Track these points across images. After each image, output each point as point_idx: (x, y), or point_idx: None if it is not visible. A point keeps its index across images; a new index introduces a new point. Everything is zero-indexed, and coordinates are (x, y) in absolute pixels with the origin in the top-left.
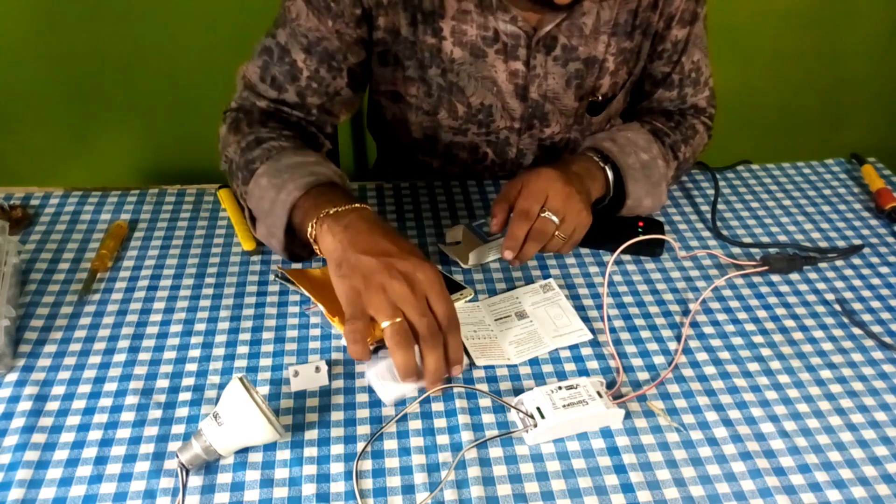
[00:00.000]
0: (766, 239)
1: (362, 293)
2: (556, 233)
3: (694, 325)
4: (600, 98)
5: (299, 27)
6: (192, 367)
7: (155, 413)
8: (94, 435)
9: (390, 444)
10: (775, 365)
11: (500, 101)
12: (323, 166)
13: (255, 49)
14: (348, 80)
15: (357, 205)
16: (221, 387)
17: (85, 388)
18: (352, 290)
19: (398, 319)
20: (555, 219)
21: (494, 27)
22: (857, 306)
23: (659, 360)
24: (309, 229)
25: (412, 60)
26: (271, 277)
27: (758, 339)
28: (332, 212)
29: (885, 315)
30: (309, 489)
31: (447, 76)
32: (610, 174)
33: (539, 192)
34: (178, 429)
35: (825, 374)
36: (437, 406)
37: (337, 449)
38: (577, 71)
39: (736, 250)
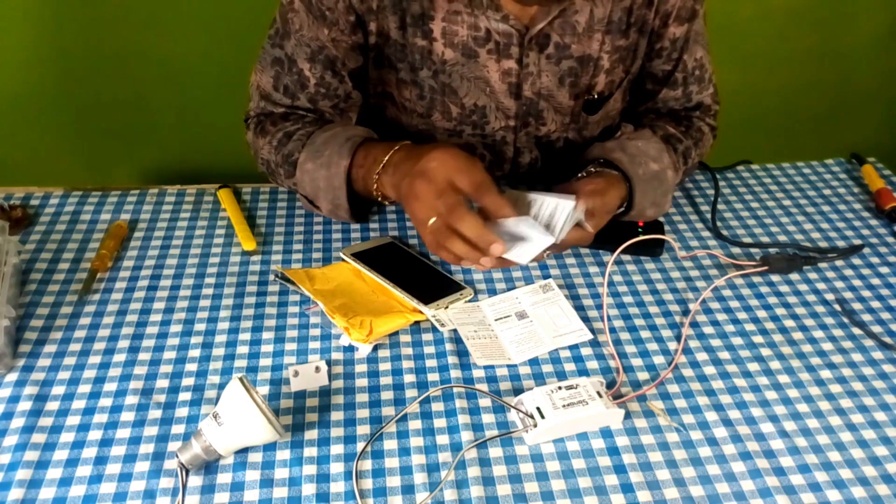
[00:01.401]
0: (766, 239)
1: (412, 214)
2: None
3: (694, 325)
4: (596, 96)
5: (303, 37)
6: (192, 367)
7: (155, 413)
8: (94, 435)
9: (390, 444)
10: (775, 365)
11: (493, 101)
12: (351, 129)
13: (264, 60)
14: (353, 83)
15: (395, 146)
16: (221, 387)
17: (85, 388)
18: (410, 215)
19: (430, 221)
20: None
21: (486, 27)
22: (857, 306)
23: (659, 360)
24: (374, 192)
25: (403, 63)
26: (271, 277)
27: (758, 339)
28: (381, 167)
29: (885, 315)
30: (309, 489)
31: (439, 78)
32: (625, 186)
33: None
34: (178, 429)
35: (825, 374)
36: (437, 406)
37: (337, 449)
38: (571, 69)
39: (736, 250)
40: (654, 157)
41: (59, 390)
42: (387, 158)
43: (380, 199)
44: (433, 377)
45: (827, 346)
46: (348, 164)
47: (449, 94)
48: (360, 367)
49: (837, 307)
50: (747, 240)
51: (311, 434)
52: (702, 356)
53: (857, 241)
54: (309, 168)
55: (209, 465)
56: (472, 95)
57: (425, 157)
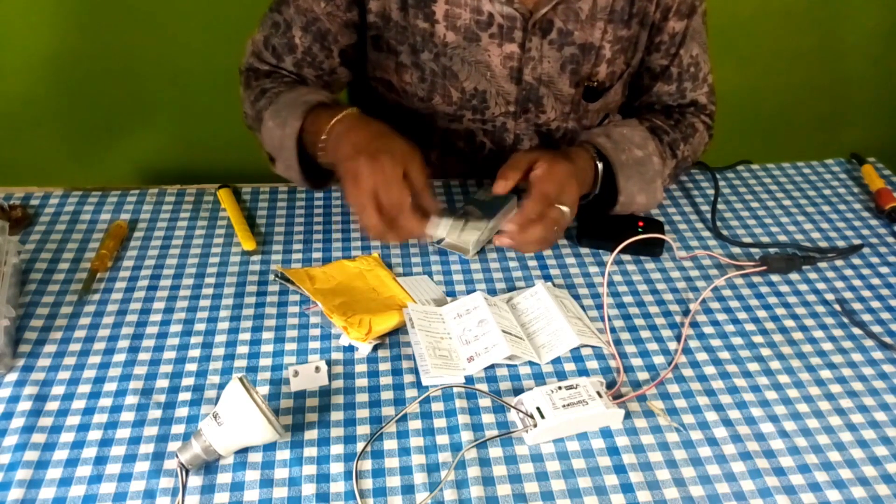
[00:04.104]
0: (766, 239)
1: (351, 192)
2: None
3: (694, 325)
4: (596, 84)
5: (300, 6)
6: (192, 367)
7: (155, 413)
8: (94, 435)
9: (390, 444)
10: (775, 365)
11: (493, 86)
12: (314, 94)
13: (263, 21)
14: (340, 60)
15: (338, 116)
16: (221, 387)
17: (85, 388)
18: (348, 192)
19: (367, 211)
20: (566, 212)
21: (489, 10)
22: (857, 306)
23: (659, 360)
24: (320, 153)
25: (404, 45)
26: (271, 277)
27: (758, 339)
28: (323, 136)
29: (885, 315)
30: (309, 489)
31: (440, 60)
32: (600, 168)
33: (560, 183)
34: (178, 429)
35: (825, 374)
36: (437, 406)
37: (337, 449)
38: (573, 56)
39: (736, 250)
40: (638, 143)
41: (59, 390)
42: (328, 128)
43: (322, 157)
44: None
45: (827, 346)
46: (299, 126)
47: (450, 78)
48: (360, 367)
49: (837, 307)
50: (747, 240)
51: (311, 434)
52: (702, 356)
53: (857, 241)
54: (269, 126)
55: (209, 465)
56: (473, 79)
57: (380, 141)
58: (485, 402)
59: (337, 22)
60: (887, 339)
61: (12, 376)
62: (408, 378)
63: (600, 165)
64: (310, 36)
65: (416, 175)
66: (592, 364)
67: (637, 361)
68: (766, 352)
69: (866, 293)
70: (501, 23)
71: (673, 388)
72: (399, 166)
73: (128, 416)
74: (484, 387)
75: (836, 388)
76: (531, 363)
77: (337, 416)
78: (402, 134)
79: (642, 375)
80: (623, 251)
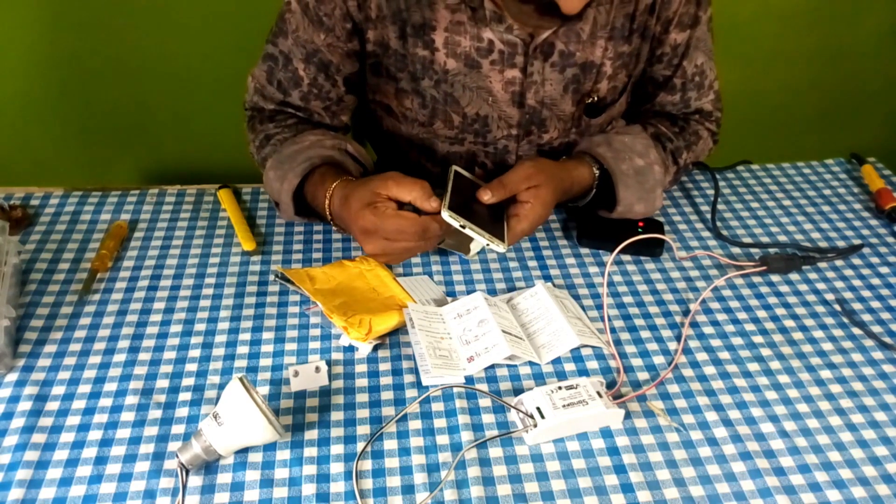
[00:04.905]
0: (766, 239)
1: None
2: None
3: (694, 325)
4: (596, 98)
5: (298, 38)
6: (192, 367)
7: (155, 413)
8: (94, 435)
9: (390, 444)
10: (775, 365)
11: (495, 110)
12: (317, 148)
13: (262, 54)
14: (346, 88)
15: (335, 184)
16: (221, 387)
17: (85, 388)
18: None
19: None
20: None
21: (489, 38)
22: (857, 306)
23: (659, 360)
24: (327, 214)
25: (404, 73)
26: (271, 277)
27: (758, 339)
28: (327, 196)
29: (885, 315)
30: (309, 489)
31: (441, 87)
32: (596, 172)
33: (542, 216)
34: (178, 429)
35: (825, 374)
36: (437, 406)
37: (337, 449)
38: (575, 76)
39: (736, 250)
40: (640, 152)
41: (59, 390)
42: (329, 192)
43: (328, 218)
44: None
45: (827, 346)
46: (296, 183)
47: (451, 104)
48: (360, 367)
49: (837, 307)
50: (747, 240)
51: (311, 434)
52: (702, 356)
53: (857, 241)
54: (270, 176)
55: (209, 465)
56: (475, 105)
57: (357, 220)
58: (485, 402)
59: (338, 53)
60: (887, 339)
61: (12, 376)
62: (408, 378)
63: (597, 172)
64: (313, 67)
65: (403, 193)
66: (592, 364)
67: (637, 361)
68: (766, 352)
69: (866, 293)
70: (502, 49)
71: (673, 388)
72: (380, 213)
73: (128, 416)
74: (484, 387)
75: (836, 388)
76: (531, 363)
77: (337, 416)
78: (403, 153)
79: (642, 375)
80: (623, 251)
